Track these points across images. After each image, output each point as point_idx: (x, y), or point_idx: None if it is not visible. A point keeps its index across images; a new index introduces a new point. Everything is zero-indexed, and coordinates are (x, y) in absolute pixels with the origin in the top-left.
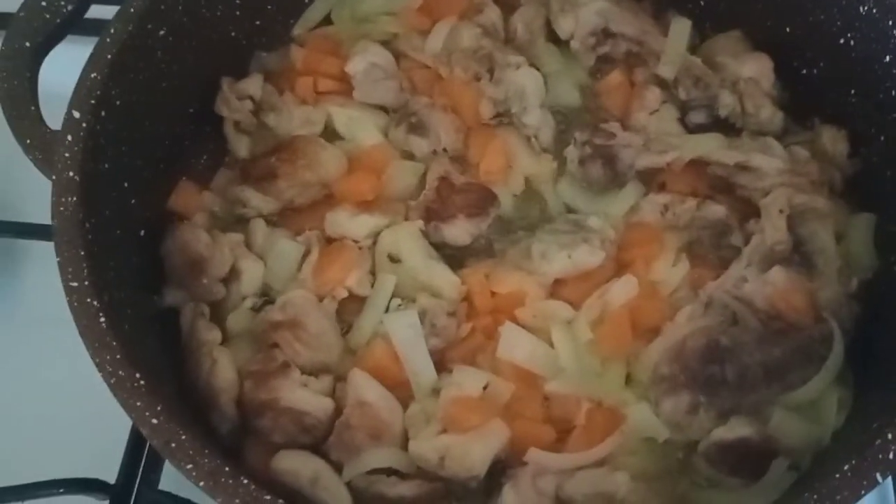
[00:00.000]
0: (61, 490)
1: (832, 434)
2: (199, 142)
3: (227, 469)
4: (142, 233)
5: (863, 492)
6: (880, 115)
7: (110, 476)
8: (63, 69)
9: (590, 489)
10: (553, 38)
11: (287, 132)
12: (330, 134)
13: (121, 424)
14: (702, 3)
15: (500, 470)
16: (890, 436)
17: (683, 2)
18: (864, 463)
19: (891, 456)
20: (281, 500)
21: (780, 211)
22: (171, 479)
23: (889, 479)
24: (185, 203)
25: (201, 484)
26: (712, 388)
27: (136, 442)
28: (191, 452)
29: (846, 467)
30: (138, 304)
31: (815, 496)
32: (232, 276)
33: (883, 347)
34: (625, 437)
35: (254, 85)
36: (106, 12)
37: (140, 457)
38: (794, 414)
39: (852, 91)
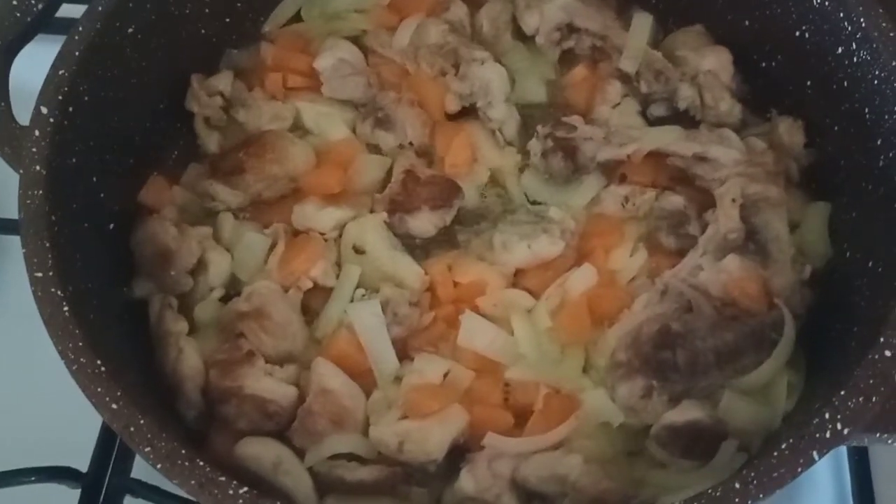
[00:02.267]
0: (33, 478)
1: (783, 417)
2: (170, 137)
3: (183, 452)
4: (111, 226)
5: (800, 469)
6: (835, 106)
7: (82, 464)
8: (34, 67)
9: (544, 472)
10: (519, 34)
11: (257, 127)
12: (299, 129)
13: (93, 414)
14: None
15: (460, 454)
16: (827, 415)
17: None
18: (801, 441)
19: (827, 435)
20: (235, 482)
21: (733, 200)
22: (142, 467)
23: (845, 457)
24: (155, 197)
25: (158, 466)
26: (664, 373)
27: (108, 431)
28: (149, 436)
29: (784, 446)
30: (105, 294)
31: (753, 473)
32: (199, 268)
33: (834, 333)
34: (581, 422)
35: (224, 81)
36: (76, 11)
37: (112, 445)
38: (744, 397)
39: (808, 83)
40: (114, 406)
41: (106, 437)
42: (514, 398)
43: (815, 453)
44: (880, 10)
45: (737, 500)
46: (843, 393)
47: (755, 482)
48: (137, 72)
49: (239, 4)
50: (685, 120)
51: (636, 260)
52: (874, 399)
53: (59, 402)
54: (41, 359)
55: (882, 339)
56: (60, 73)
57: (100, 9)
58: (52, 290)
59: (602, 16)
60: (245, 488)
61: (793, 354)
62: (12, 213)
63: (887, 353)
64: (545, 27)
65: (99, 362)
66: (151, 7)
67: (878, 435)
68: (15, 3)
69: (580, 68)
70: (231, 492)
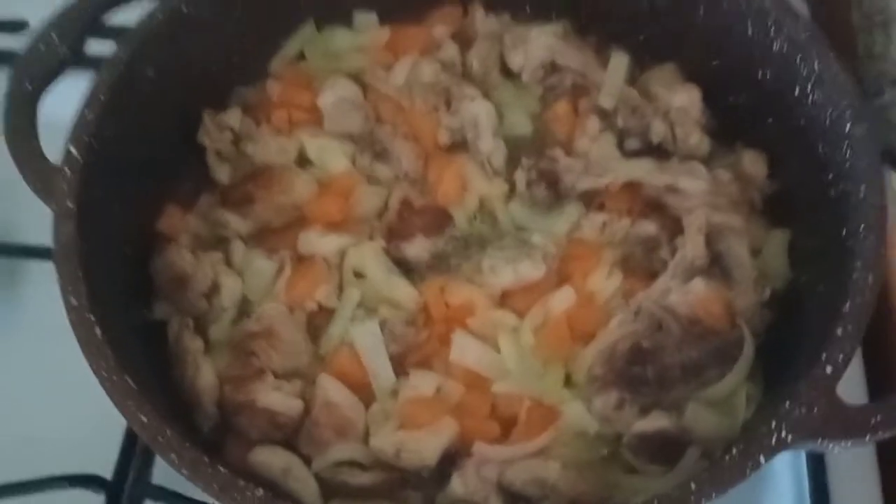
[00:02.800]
0: (63, 485)
1: (742, 425)
2: (184, 169)
3: (205, 459)
4: (131, 252)
5: (748, 471)
6: (792, 141)
7: (107, 472)
8: (60, 101)
9: (527, 476)
10: (506, 71)
11: (264, 160)
12: (302, 161)
13: (115, 424)
14: (641, 38)
15: (451, 461)
16: (773, 424)
17: (624, 38)
18: (749, 447)
19: (773, 441)
20: (253, 485)
21: (699, 229)
22: (162, 473)
23: (803, 460)
24: (171, 225)
25: (184, 472)
26: (636, 386)
27: (129, 440)
28: (175, 445)
29: (735, 450)
30: (128, 316)
31: (707, 474)
32: (213, 291)
33: (788, 349)
34: (560, 431)
35: (233, 117)
36: (100, 48)
37: (133, 454)
38: (708, 408)
39: (770, 119)
40: (144, 419)
41: (128, 446)
42: (500, 410)
43: (761, 457)
44: (833, 56)
45: (692, 498)
46: (787, 404)
47: (708, 482)
48: (155, 110)
49: (246, 45)
50: (658, 152)
51: (612, 282)
52: (815, 410)
53: (83, 413)
54: (65, 373)
55: (824, 356)
56: (88, 116)
57: (121, 55)
58: (87, 315)
59: (582, 55)
60: (262, 492)
61: (752, 368)
62: (26, 238)
63: (828, 370)
64: (530, 65)
65: (129, 379)
66: (167, 51)
67: (819, 441)
68: (42, 47)
69: (562, 103)
70: (249, 494)
